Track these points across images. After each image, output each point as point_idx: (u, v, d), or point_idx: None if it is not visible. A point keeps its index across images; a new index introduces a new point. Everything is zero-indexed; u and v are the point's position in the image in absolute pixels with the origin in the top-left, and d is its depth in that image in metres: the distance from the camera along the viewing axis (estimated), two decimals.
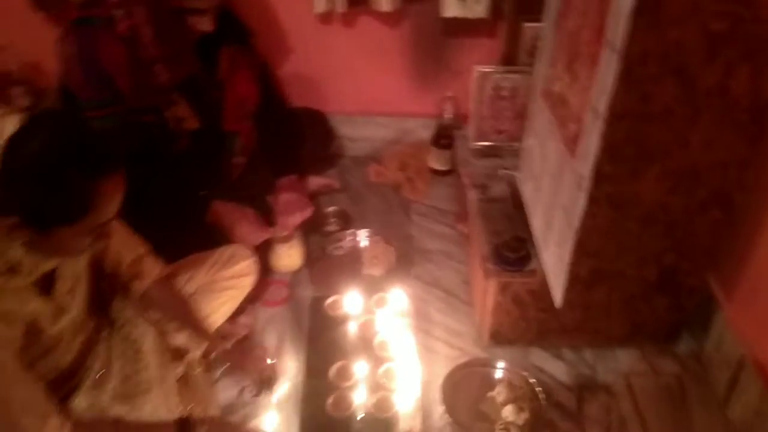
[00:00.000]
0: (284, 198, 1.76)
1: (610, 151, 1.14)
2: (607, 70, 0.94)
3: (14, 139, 0.94)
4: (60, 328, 1.12)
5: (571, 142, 1.11)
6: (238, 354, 1.44)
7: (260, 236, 1.66)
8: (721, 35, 1.02)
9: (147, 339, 1.32)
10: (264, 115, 1.81)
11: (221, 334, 1.46)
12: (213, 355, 1.39)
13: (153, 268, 1.38)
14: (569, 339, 1.50)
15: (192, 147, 1.64)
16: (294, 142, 1.91)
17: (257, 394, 1.40)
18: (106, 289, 1.32)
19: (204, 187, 1.68)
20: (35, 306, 1.05)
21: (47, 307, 1.08)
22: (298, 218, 1.73)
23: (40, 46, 1.99)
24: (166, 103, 1.57)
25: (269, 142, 1.85)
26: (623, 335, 1.49)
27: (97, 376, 1.24)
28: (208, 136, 1.67)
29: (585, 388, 1.44)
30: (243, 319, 1.57)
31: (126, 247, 1.33)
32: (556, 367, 1.48)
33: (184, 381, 1.34)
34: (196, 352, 1.38)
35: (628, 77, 1.05)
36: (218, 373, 1.44)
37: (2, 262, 1.00)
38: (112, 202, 1.03)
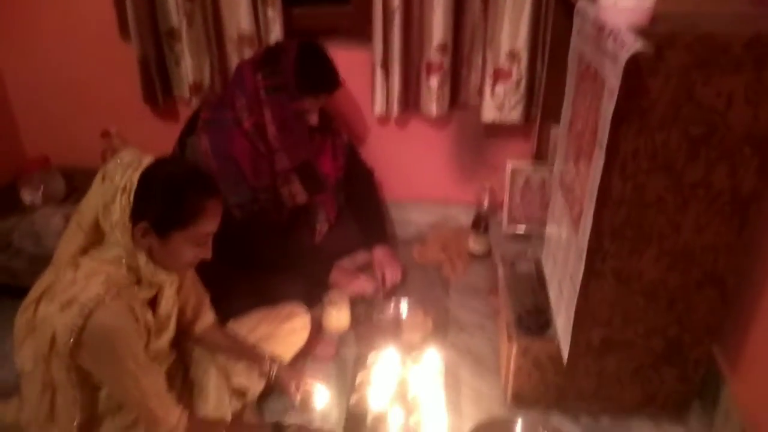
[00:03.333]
0: (380, 259, 2.10)
1: (611, 231, 1.36)
2: (597, 165, 1.17)
3: (151, 165, 1.25)
4: (158, 347, 1.38)
5: (576, 222, 1.34)
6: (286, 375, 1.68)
7: (375, 290, 2.03)
8: (700, 138, 1.25)
9: (211, 379, 1.55)
10: (351, 184, 2.19)
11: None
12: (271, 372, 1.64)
13: (210, 314, 1.64)
14: (586, 405, 1.64)
15: (290, 216, 2.02)
16: (379, 208, 2.29)
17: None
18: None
19: (293, 249, 2.01)
20: (150, 318, 1.33)
21: (155, 323, 1.36)
22: (397, 276, 2.07)
23: (142, 133, 2.41)
24: (282, 182, 1.95)
25: (357, 208, 2.22)
26: (636, 404, 1.62)
27: None
28: (302, 206, 2.04)
29: None
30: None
31: (195, 290, 1.59)
32: (573, 431, 1.62)
33: (239, 415, 1.57)
34: (254, 392, 1.62)
35: (622, 171, 1.29)
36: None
37: (132, 273, 1.28)
38: (214, 219, 1.32)
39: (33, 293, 1.32)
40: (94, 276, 1.23)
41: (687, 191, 1.31)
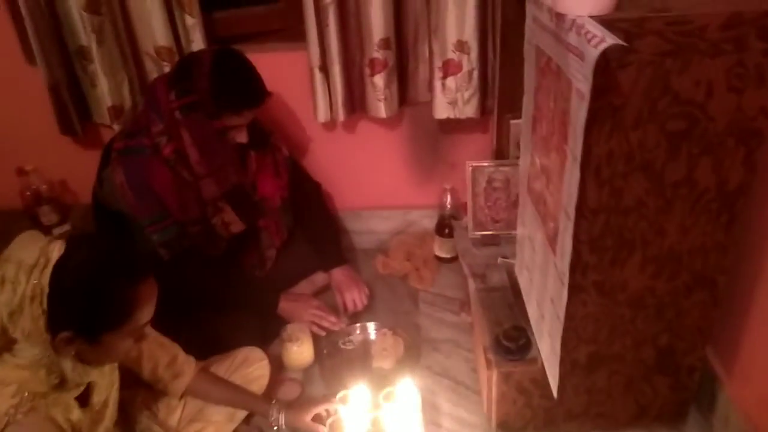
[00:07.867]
0: (340, 282, 1.94)
1: (590, 242, 1.21)
2: (572, 179, 1.02)
3: (60, 262, 1.03)
4: None
5: (552, 240, 1.19)
6: None
7: (333, 320, 1.85)
8: (680, 133, 1.11)
9: None
10: (298, 202, 2.01)
11: None
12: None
13: (189, 364, 1.47)
14: (577, 425, 1.51)
15: (230, 246, 1.81)
16: (331, 225, 2.10)
17: None
18: (127, 400, 1.39)
19: (241, 280, 1.82)
20: (77, 416, 1.13)
21: (87, 417, 1.16)
22: (361, 300, 1.92)
23: (65, 166, 2.18)
24: (212, 212, 1.73)
25: (308, 228, 2.04)
26: (630, 418, 1.50)
27: None
28: (243, 234, 1.82)
29: None
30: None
31: (161, 349, 1.42)
32: None
33: None
34: None
35: (597, 176, 1.14)
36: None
37: (54, 376, 1.09)
38: (149, 305, 1.13)
39: None
40: (3, 387, 1.03)
41: (669, 192, 1.17)
